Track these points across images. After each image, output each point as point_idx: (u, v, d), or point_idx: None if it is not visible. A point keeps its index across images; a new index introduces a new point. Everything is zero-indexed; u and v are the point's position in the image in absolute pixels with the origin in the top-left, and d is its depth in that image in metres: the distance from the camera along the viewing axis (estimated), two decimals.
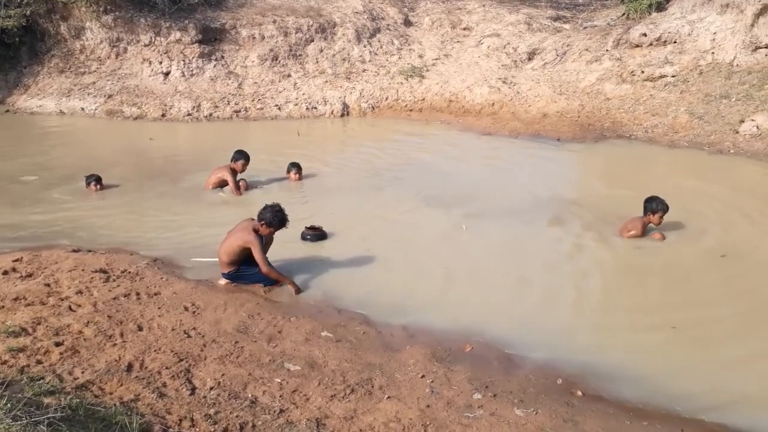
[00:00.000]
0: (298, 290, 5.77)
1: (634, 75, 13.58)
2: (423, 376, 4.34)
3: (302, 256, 6.59)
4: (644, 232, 7.02)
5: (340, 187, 9.01)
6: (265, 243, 5.97)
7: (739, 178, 9.80)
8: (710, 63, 12.94)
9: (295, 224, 6.15)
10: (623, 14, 15.60)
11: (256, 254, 5.60)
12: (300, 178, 9.33)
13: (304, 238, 6.95)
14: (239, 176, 8.78)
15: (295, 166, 9.35)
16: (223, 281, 5.89)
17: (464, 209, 7.99)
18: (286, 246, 6.49)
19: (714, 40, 13.05)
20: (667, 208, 6.96)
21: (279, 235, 6.03)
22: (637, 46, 14.02)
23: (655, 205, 6.96)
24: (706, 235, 7.20)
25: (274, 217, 5.70)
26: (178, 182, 9.12)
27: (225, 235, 5.92)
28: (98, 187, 8.51)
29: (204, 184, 8.78)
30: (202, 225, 7.47)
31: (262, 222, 5.73)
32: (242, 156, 8.72)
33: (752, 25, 12.33)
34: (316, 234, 6.98)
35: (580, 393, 4.30)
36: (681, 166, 10.50)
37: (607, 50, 14.51)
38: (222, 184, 8.73)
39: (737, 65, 12.54)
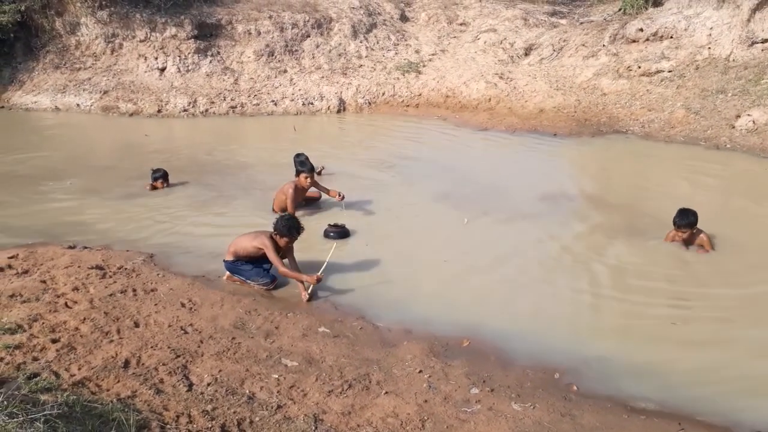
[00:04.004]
0: (310, 297, 5.62)
1: (630, 70, 13.57)
2: (420, 371, 4.34)
3: (308, 253, 6.51)
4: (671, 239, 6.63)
5: (344, 184, 8.90)
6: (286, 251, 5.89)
7: (738, 174, 9.79)
8: (707, 58, 12.95)
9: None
10: (620, 9, 15.60)
11: (270, 256, 5.60)
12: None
13: (327, 235, 7.00)
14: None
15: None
16: (224, 276, 5.89)
17: (467, 204, 7.99)
18: (306, 243, 6.46)
19: (710, 35, 13.06)
20: (681, 223, 6.42)
21: (305, 233, 5.94)
22: (634, 41, 14.03)
23: (674, 218, 6.47)
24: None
25: (284, 227, 5.67)
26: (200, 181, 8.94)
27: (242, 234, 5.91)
28: (165, 184, 8.27)
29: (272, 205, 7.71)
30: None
31: (276, 233, 5.73)
32: (302, 167, 7.50)
33: (749, 20, 12.34)
34: (339, 231, 7.02)
35: (576, 387, 4.30)
36: (679, 161, 10.48)
37: (603, 45, 14.51)
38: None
39: (733, 60, 12.55)
